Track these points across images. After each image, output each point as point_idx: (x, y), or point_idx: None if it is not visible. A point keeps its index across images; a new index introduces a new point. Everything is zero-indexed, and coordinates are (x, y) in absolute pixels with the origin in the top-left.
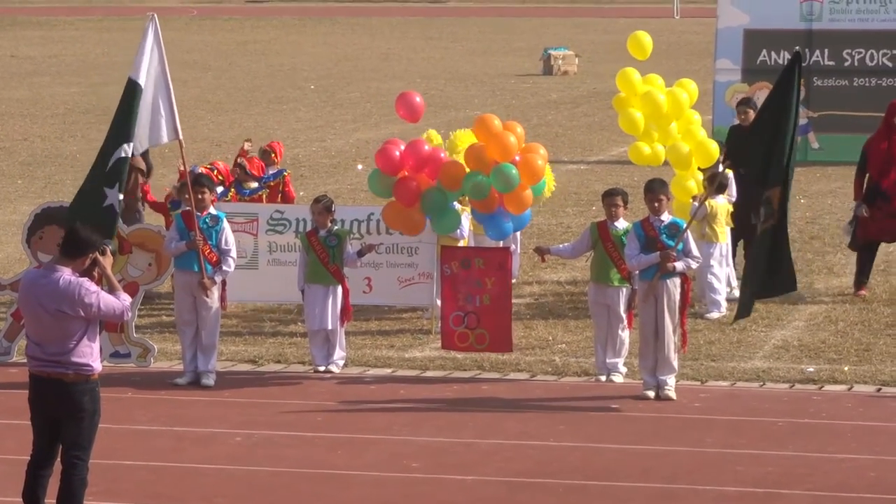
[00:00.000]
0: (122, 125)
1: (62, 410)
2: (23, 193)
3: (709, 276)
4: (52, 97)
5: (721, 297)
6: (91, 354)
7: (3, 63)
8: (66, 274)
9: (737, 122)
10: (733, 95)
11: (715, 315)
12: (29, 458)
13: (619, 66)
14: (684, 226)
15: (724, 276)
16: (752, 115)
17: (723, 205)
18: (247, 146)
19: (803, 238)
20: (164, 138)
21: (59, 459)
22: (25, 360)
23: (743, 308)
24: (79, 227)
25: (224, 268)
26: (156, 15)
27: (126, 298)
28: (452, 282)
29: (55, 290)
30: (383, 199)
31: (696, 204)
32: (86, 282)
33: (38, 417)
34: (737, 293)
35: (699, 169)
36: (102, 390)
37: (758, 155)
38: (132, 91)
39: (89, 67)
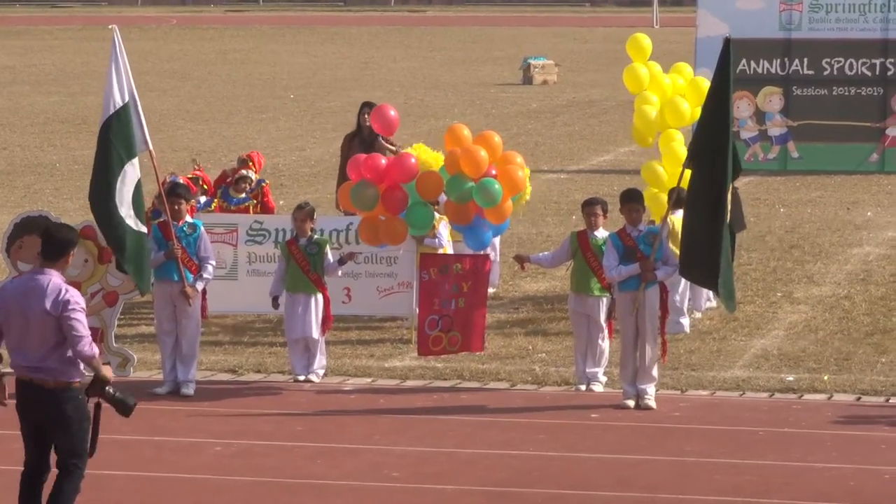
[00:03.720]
0: (128, 143)
1: (47, 418)
2: (2, 203)
3: (674, 295)
4: (31, 106)
5: (684, 318)
6: (72, 362)
7: None
8: (55, 277)
9: None
10: None
11: (674, 333)
12: (22, 468)
13: (599, 76)
14: (659, 233)
15: (686, 296)
16: None
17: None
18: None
19: (783, 247)
20: (141, 148)
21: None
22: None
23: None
24: (53, 227)
25: (204, 275)
26: (117, 27)
27: (96, 352)
28: (430, 287)
29: (43, 291)
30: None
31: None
32: (76, 294)
33: (25, 425)
34: (714, 303)
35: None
36: None
37: (707, 149)
38: (125, 112)
39: (69, 77)
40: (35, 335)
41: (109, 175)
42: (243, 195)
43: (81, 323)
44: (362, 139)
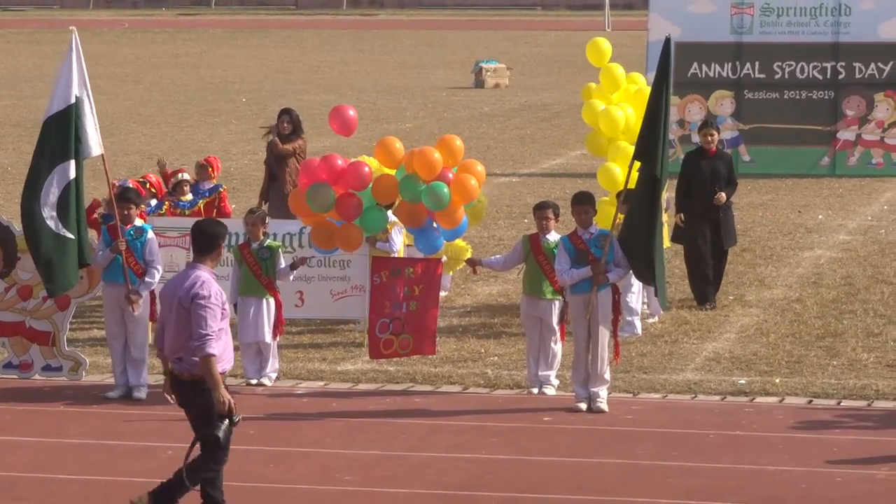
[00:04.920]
0: (63, 144)
1: (186, 408)
2: None
3: (627, 296)
4: None
5: (636, 319)
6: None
7: None
8: (200, 270)
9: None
10: None
11: (627, 335)
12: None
13: (551, 79)
14: (610, 235)
15: (640, 297)
16: (716, 138)
17: None
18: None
19: (734, 250)
20: (93, 152)
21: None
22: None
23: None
24: (203, 222)
25: (148, 279)
26: (76, 29)
27: (210, 352)
28: (381, 291)
29: (184, 283)
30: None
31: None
32: (212, 290)
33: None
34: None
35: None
36: (33, 403)
37: (648, 147)
38: (75, 108)
39: (21, 80)
40: (173, 327)
41: (38, 174)
42: (189, 197)
43: (204, 319)
44: (282, 146)
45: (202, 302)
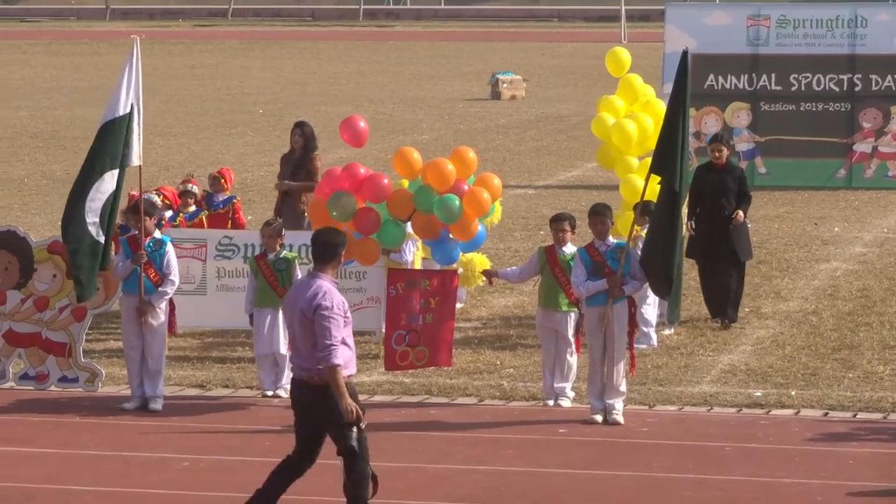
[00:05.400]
0: (114, 152)
1: (316, 413)
2: None
3: (642, 307)
4: None
5: (652, 330)
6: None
7: None
8: (321, 279)
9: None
10: None
11: (643, 347)
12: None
13: (567, 91)
14: (626, 247)
15: (656, 309)
16: (726, 152)
17: None
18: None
19: (751, 262)
20: (133, 162)
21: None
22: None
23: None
24: (322, 231)
25: (162, 289)
26: (138, 38)
27: (336, 362)
28: (397, 302)
29: (307, 292)
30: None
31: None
32: (335, 300)
33: (296, 419)
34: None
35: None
36: (49, 415)
37: (666, 160)
38: (129, 117)
39: (37, 91)
40: (299, 334)
41: (88, 176)
42: (192, 209)
43: (328, 329)
44: (292, 159)
45: (325, 312)
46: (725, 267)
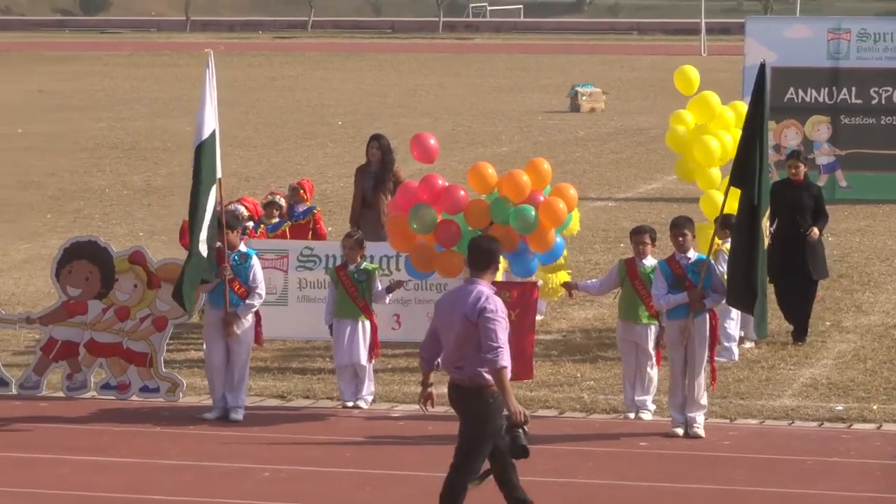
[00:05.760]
0: (212, 170)
1: (464, 414)
2: (51, 227)
3: (725, 321)
4: (80, 132)
5: (734, 345)
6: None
7: (32, 98)
8: (480, 286)
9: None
10: None
11: (724, 361)
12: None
13: (647, 104)
14: (707, 260)
15: (738, 323)
16: (802, 169)
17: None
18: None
19: (831, 276)
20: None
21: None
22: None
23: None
24: (479, 239)
25: (249, 302)
26: (212, 52)
27: (504, 364)
28: None
29: (467, 297)
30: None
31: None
32: (498, 304)
33: (460, 421)
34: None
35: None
36: (130, 424)
37: (745, 174)
38: (213, 136)
39: (118, 102)
40: (455, 338)
41: (201, 197)
42: (276, 220)
43: (494, 332)
44: (371, 172)
45: (490, 315)
46: (798, 284)
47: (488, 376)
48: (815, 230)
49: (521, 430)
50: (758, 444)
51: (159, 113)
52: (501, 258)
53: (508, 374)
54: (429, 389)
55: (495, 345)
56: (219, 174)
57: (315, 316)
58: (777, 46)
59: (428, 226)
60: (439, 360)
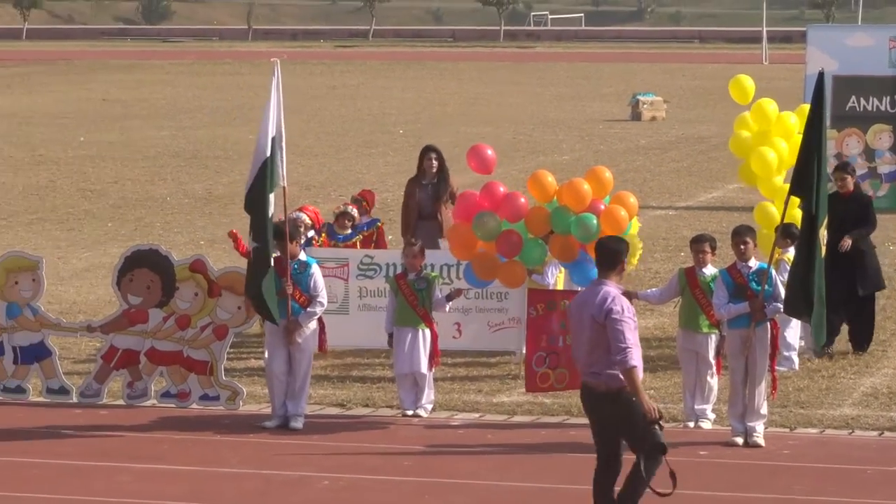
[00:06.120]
0: (273, 177)
1: (607, 419)
2: (113, 236)
3: (785, 330)
4: (142, 140)
5: (794, 354)
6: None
7: (95, 106)
8: (607, 286)
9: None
10: None
11: (784, 370)
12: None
13: (708, 112)
14: (768, 269)
15: (798, 332)
16: (850, 181)
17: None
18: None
19: (892, 285)
20: (278, 182)
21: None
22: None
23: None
24: (606, 239)
25: (310, 310)
26: (279, 61)
27: (634, 364)
28: (537, 324)
29: (594, 299)
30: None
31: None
32: (625, 304)
33: (591, 423)
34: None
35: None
36: (190, 432)
37: (804, 182)
38: (274, 143)
39: (179, 111)
40: (585, 340)
41: (265, 206)
42: (348, 231)
43: (622, 332)
44: (426, 183)
45: (617, 317)
46: (853, 298)
47: (623, 378)
48: (847, 241)
49: (656, 427)
50: (818, 454)
51: (221, 122)
52: (561, 267)
53: (640, 373)
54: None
55: (624, 345)
56: (284, 182)
57: (376, 324)
58: (838, 55)
59: (491, 233)
60: (578, 363)
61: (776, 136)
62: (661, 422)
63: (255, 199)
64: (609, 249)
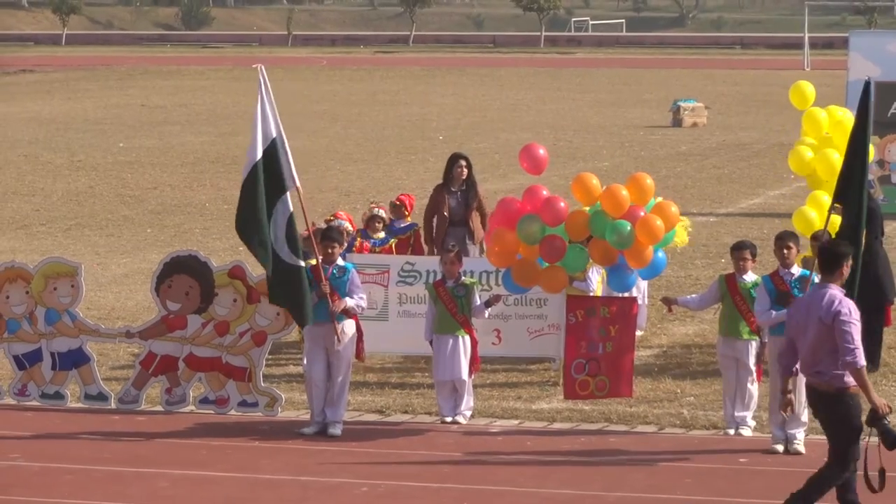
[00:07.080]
0: (278, 180)
1: (825, 418)
2: (152, 242)
3: None
4: (181, 146)
5: None
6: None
7: (134, 112)
8: (832, 289)
9: None
10: None
11: None
12: None
13: (749, 119)
14: (810, 276)
15: None
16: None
17: None
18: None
19: None
20: (289, 186)
21: None
22: (156, 409)
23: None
24: (829, 242)
25: (351, 304)
26: (263, 67)
27: (861, 363)
28: (576, 330)
29: (820, 301)
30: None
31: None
32: (850, 306)
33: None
34: None
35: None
36: (229, 439)
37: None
38: (274, 147)
39: (219, 117)
40: (809, 341)
41: (259, 212)
42: (381, 234)
43: (850, 334)
44: (455, 190)
45: (845, 318)
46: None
47: (848, 379)
48: None
49: (886, 421)
50: (859, 461)
51: None
52: (600, 275)
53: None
54: (788, 396)
55: (852, 346)
56: (291, 185)
57: (415, 331)
58: (881, 61)
59: (535, 237)
60: (797, 366)
61: (841, 140)
62: (889, 416)
63: (249, 219)
64: (833, 253)
